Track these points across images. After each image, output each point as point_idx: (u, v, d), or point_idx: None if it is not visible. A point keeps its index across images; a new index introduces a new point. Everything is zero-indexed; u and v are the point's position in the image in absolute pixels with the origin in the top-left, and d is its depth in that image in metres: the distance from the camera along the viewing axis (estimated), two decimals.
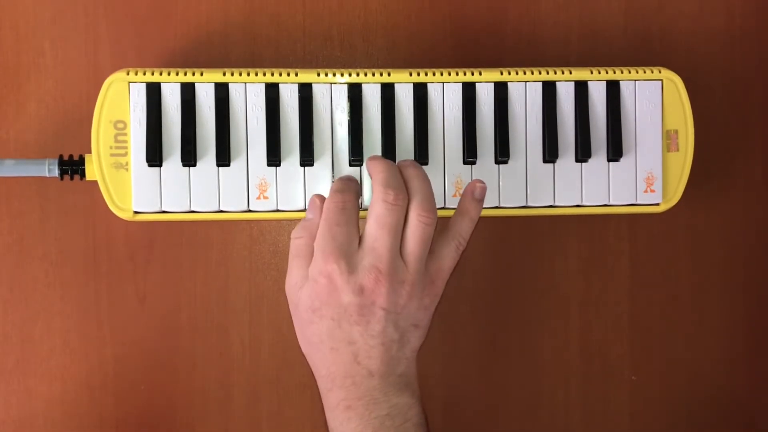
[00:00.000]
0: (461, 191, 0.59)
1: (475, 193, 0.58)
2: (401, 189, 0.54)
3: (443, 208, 0.60)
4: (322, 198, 0.56)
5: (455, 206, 0.59)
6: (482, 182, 0.58)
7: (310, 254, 0.54)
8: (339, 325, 0.53)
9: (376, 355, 0.53)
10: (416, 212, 0.54)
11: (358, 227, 0.54)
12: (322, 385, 0.54)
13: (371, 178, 0.56)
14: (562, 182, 0.61)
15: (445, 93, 0.60)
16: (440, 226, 0.56)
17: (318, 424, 0.66)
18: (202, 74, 0.59)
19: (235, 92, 0.59)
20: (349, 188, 0.56)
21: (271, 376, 0.66)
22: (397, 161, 0.59)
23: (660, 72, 0.61)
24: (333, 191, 0.55)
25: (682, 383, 0.68)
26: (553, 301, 0.67)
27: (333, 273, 0.52)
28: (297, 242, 0.55)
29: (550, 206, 0.61)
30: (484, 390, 0.67)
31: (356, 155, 0.59)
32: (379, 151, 0.59)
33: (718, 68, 0.68)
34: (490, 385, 0.67)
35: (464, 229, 0.56)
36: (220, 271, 0.65)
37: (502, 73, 0.60)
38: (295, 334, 0.66)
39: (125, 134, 0.58)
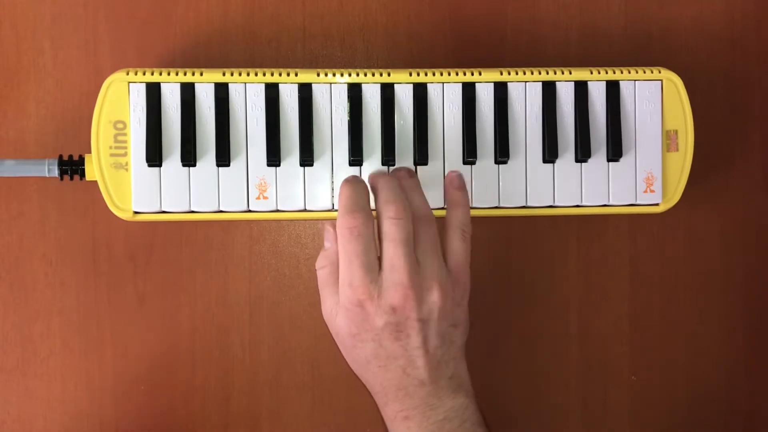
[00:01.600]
0: None
1: (453, 184, 0.58)
2: (401, 200, 0.54)
3: (444, 209, 0.59)
4: (335, 226, 0.56)
5: None
6: (455, 171, 0.59)
7: (337, 281, 0.55)
8: (381, 345, 0.53)
9: (423, 364, 0.53)
10: (416, 221, 0.55)
11: (376, 245, 0.54)
12: (379, 400, 0.55)
13: (373, 196, 0.57)
14: (562, 182, 0.61)
15: (445, 93, 0.60)
16: (441, 226, 0.56)
17: (318, 424, 0.66)
18: (201, 74, 0.59)
19: (235, 92, 0.59)
20: (358, 204, 0.55)
21: (271, 376, 0.66)
22: (396, 162, 0.59)
23: (660, 72, 0.61)
24: (342, 213, 0.54)
25: (682, 383, 0.68)
26: (553, 301, 0.67)
27: (363, 301, 0.53)
28: (322, 272, 0.56)
29: (550, 206, 0.61)
30: (484, 390, 0.67)
31: (356, 155, 0.59)
32: (378, 151, 0.59)
33: (718, 68, 0.68)
34: (490, 385, 0.67)
35: (461, 217, 0.57)
36: (220, 271, 0.65)
37: (501, 73, 0.60)
38: (295, 333, 0.66)
39: (125, 134, 0.58)
